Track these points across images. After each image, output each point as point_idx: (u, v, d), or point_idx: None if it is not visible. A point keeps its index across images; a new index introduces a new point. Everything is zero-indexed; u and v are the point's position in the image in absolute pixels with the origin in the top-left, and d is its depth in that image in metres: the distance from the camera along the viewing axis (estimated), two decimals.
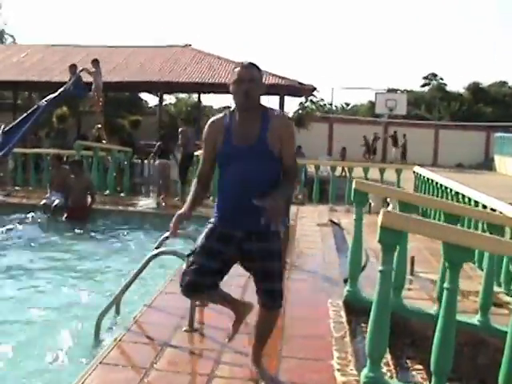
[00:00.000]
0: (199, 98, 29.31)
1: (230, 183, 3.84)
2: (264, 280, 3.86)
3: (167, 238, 5.76)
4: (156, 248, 5.59)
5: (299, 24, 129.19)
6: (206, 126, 3.96)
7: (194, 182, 4.05)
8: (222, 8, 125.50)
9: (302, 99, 30.32)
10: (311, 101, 42.17)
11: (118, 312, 5.63)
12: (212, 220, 3.96)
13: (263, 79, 3.95)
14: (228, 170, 3.85)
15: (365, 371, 3.90)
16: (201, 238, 3.92)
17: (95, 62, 17.13)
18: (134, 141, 19.62)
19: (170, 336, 4.74)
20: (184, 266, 3.94)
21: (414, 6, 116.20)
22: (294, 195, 3.65)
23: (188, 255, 3.92)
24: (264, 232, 3.78)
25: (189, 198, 4.01)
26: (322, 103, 58.98)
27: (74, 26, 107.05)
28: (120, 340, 4.62)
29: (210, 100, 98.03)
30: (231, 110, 3.96)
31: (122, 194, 14.56)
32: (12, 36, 54.84)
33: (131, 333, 4.81)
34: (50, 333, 5.57)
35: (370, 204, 12.46)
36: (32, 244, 9.52)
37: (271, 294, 3.86)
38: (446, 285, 3.79)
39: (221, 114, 3.98)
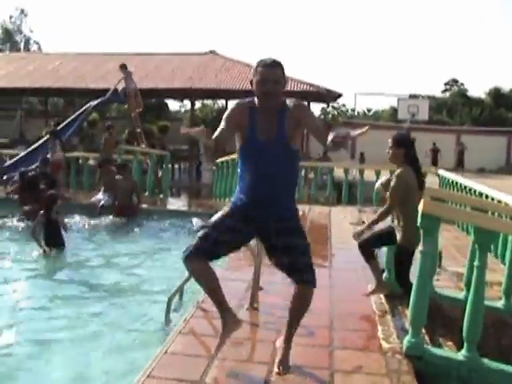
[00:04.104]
0: (226, 104, 30.05)
1: (253, 174, 4.04)
2: (288, 255, 4.04)
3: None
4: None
5: (321, 30, 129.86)
6: (233, 107, 4.08)
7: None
8: (242, 15, 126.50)
9: (324, 105, 31.07)
10: (333, 106, 42.70)
11: (180, 297, 6.38)
12: (234, 201, 4.19)
13: (285, 76, 4.02)
14: (251, 162, 4.04)
15: (407, 338, 4.65)
16: (221, 214, 4.17)
17: (123, 67, 18.02)
18: (164, 145, 20.33)
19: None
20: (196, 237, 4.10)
21: (435, 13, 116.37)
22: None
23: (202, 227, 4.19)
24: (284, 218, 4.08)
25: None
26: (343, 109, 59.79)
27: (86, 33, 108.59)
28: (192, 316, 5.37)
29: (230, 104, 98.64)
30: (255, 101, 4.05)
31: (160, 196, 15.36)
32: (37, 43, 56.23)
33: (200, 311, 5.54)
34: (128, 312, 6.51)
35: None
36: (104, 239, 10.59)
37: (300, 268, 4.03)
38: (475, 263, 4.53)
39: (246, 101, 4.08)
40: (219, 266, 7.19)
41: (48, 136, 15.73)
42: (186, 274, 6.15)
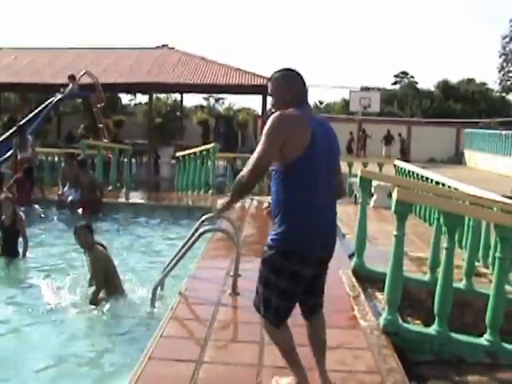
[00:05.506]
0: (182, 97, 30.25)
1: (312, 201, 3.37)
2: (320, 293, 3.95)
3: (203, 221, 6.79)
4: (197, 229, 6.58)
5: (271, 23, 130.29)
6: (286, 118, 3.36)
7: (247, 177, 3.39)
8: (199, 9, 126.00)
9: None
10: None
11: (162, 287, 6.54)
12: (278, 249, 3.48)
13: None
14: (308, 185, 3.35)
15: (383, 315, 5.06)
16: (270, 268, 3.57)
17: (71, 78, 18.55)
18: (121, 140, 20.42)
19: (218, 298, 5.81)
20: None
21: (385, 5, 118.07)
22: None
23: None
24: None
25: (234, 195, 3.62)
26: None
27: (34, 28, 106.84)
28: (178, 303, 5.65)
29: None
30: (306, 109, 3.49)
31: (123, 190, 15.47)
32: None
33: (185, 297, 5.84)
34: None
35: (356, 196, 13.60)
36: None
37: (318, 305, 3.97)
38: (445, 245, 4.96)
39: (297, 111, 3.40)
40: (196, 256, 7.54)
41: (14, 131, 15.26)
42: (165, 265, 6.53)
